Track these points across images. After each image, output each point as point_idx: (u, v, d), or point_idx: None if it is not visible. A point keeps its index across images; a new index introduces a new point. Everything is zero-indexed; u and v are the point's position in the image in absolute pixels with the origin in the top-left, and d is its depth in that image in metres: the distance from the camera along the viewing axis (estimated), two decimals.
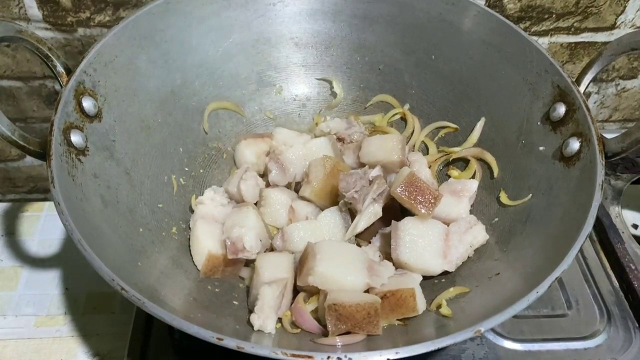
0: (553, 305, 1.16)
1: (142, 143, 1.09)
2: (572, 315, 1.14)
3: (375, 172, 1.05)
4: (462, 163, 1.20)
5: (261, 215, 1.07)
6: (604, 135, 0.97)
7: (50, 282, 1.25)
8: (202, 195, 1.11)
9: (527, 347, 1.08)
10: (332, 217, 1.05)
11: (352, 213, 1.04)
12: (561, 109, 1.02)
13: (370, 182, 1.02)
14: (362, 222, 1.01)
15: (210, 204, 1.09)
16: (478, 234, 1.02)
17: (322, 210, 1.08)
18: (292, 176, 1.15)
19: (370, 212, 1.01)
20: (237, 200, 1.13)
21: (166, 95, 1.16)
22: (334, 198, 1.08)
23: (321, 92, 1.34)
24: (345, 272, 0.92)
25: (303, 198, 1.09)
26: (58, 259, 1.31)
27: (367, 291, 0.94)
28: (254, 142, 1.22)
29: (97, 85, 1.01)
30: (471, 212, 1.11)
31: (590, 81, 1.03)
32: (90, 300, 1.23)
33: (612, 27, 1.52)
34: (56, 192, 0.83)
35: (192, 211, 1.11)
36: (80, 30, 1.42)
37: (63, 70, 0.99)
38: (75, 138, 0.94)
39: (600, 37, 1.54)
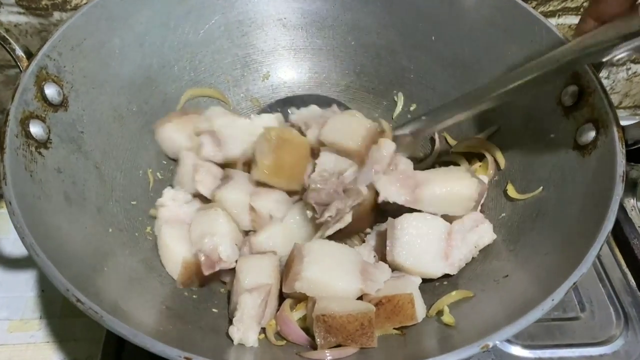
0: (565, 307, 1.09)
1: (115, 134, 1.03)
2: (586, 318, 1.07)
3: (349, 176, 0.94)
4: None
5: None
6: None
7: (25, 283, 1.17)
8: (161, 196, 1.02)
9: (537, 354, 1.02)
10: (300, 214, 0.95)
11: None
12: (574, 93, 0.95)
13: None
14: (330, 230, 0.92)
15: (172, 205, 0.99)
16: (484, 234, 0.94)
17: (284, 190, 0.97)
18: (230, 151, 1.02)
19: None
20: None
21: (142, 82, 1.09)
22: (292, 175, 0.97)
23: (313, 78, 1.27)
24: (336, 277, 0.84)
25: (258, 183, 0.98)
26: (34, 260, 1.24)
27: (360, 297, 0.86)
28: (182, 122, 1.08)
29: (62, 70, 0.93)
30: None
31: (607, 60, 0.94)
32: (68, 304, 1.12)
33: None
34: (8, 190, 0.76)
35: None
36: (57, 15, 1.34)
37: (23, 54, 0.91)
38: (36, 129, 0.86)
39: None
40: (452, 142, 1.15)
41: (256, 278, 0.86)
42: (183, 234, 0.95)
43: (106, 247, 0.88)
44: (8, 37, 0.90)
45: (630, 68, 1.62)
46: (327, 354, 0.78)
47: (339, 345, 0.80)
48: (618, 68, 1.61)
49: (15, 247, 1.26)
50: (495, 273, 0.90)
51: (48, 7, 1.31)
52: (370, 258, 0.94)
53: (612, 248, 1.18)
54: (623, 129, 0.86)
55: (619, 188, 0.80)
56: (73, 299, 0.68)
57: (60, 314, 1.12)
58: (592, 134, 0.90)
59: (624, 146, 0.84)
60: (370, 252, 0.95)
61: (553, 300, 0.69)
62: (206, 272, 0.89)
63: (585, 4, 1.42)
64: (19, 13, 1.31)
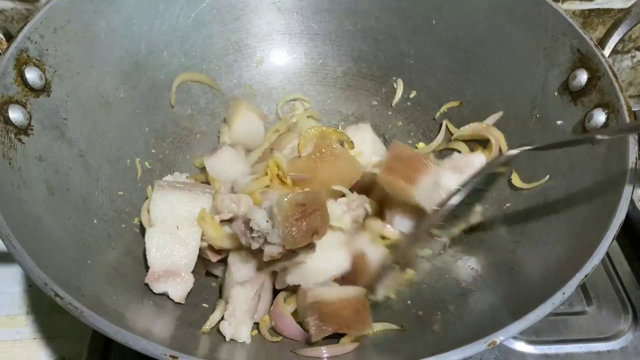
0: (571, 301, 1.05)
1: (101, 122, 0.99)
2: (593, 312, 1.04)
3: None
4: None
5: None
6: None
7: (11, 278, 1.14)
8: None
9: (542, 350, 0.98)
10: None
11: None
12: (582, 77, 0.91)
13: None
14: None
15: None
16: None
17: None
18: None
19: None
20: None
21: (129, 67, 1.05)
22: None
23: (309, 64, 1.23)
24: (326, 258, 0.82)
25: None
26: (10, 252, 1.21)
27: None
28: None
29: (44, 54, 0.90)
30: (478, 195, 1.00)
31: (617, 43, 0.91)
32: None
33: None
34: None
35: None
36: (43, 0, 1.29)
37: (2, 36, 0.88)
38: (15, 115, 0.83)
39: (617, 3, 1.42)
40: (453, 130, 1.11)
41: (249, 270, 0.82)
42: None
43: (90, 240, 0.85)
44: None
45: (635, 56, 1.59)
46: (324, 351, 0.75)
47: (335, 337, 0.77)
48: (622, 56, 1.58)
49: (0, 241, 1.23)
50: (501, 266, 0.87)
51: None
52: (347, 221, 0.91)
53: (620, 240, 1.14)
54: (634, 114, 0.83)
55: (632, 176, 0.77)
56: (51, 294, 0.65)
57: (47, 310, 1.09)
58: (602, 119, 0.87)
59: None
60: (349, 220, 0.92)
61: (564, 294, 0.66)
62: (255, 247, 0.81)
63: None
64: None
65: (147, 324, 0.74)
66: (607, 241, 0.71)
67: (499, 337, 0.62)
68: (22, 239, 0.69)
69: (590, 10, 1.42)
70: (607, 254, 1.11)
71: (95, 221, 0.89)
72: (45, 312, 1.08)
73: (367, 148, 1.05)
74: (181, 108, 1.13)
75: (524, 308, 0.67)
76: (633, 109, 0.84)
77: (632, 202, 1.15)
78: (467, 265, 0.93)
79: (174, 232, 0.88)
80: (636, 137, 0.80)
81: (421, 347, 0.77)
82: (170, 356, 0.59)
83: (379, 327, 0.81)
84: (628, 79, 1.64)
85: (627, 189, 0.76)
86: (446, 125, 1.12)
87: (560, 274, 0.71)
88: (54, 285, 0.64)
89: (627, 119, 0.82)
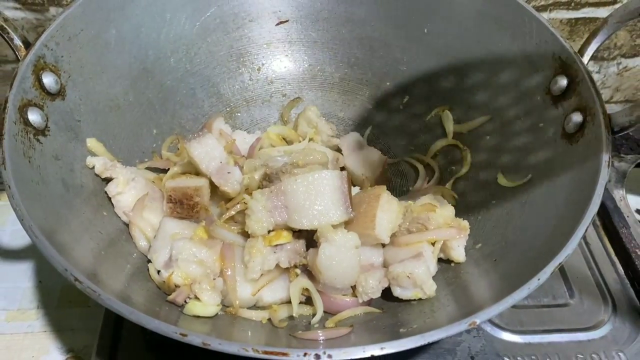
0: (554, 294, 1.08)
1: (112, 124, 1.03)
2: (575, 304, 1.07)
3: None
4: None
5: None
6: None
7: (22, 274, 1.18)
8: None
9: (526, 339, 1.01)
10: None
11: None
12: (562, 82, 0.95)
13: None
14: None
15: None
16: None
17: None
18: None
19: None
20: None
21: (138, 73, 1.09)
22: None
23: (307, 70, 1.27)
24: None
25: None
26: (31, 250, 1.23)
27: None
28: None
29: (59, 60, 0.94)
30: (466, 193, 1.05)
31: (595, 51, 0.95)
32: (65, 294, 1.15)
33: (614, 1, 1.44)
34: (7, 174, 0.76)
35: None
36: (53, 10, 1.33)
37: (21, 44, 0.91)
38: (34, 117, 0.87)
39: (602, 12, 1.46)
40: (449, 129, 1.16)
41: None
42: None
43: (104, 233, 0.89)
44: (6, 27, 0.90)
45: (620, 63, 1.61)
46: (320, 334, 0.79)
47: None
48: (609, 62, 1.61)
49: (12, 239, 1.26)
50: (485, 258, 0.91)
51: (44, 2, 1.31)
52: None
53: (602, 237, 1.18)
54: (609, 116, 0.87)
55: (605, 173, 0.80)
56: (71, 278, 0.68)
57: (57, 304, 1.13)
58: (580, 122, 0.90)
59: (610, 133, 0.85)
60: None
61: (539, 279, 0.70)
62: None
63: None
64: (15, 8, 1.31)
65: (157, 308, 0.78)
66: (581, 232, 0.74)
67: (479, 318, 0.66)
68: (43, 230, 0.72)
69: (577, 19, 1.46)
70: (590, 250, 1.15)
71: (104, 213, 0.93)
72: (55, 307, 1.12)
73: None
74: (187, 111, 1.16)
75: (504, 293, 0.70)
76: (608, 112, 0.87)
77: (613, 201, 1.20)
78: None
79: None
80: (610, 138, 0.84)
81: (408, 328, 0.80)
82: (180, 334, 0.63)
83: (360, 310, 0.86)
84: (614, 85, 1.67)
85: (601, 185, 0.79)
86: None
87: (537, 262, 0.74)
88: (73, 270, 0.68)
89: (602, 121, 0.85)
